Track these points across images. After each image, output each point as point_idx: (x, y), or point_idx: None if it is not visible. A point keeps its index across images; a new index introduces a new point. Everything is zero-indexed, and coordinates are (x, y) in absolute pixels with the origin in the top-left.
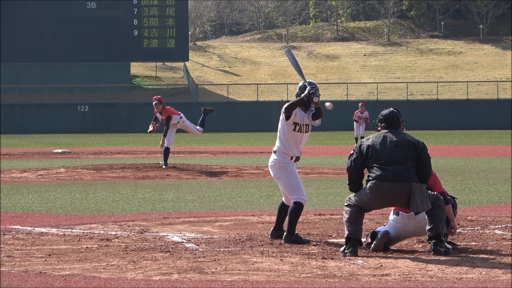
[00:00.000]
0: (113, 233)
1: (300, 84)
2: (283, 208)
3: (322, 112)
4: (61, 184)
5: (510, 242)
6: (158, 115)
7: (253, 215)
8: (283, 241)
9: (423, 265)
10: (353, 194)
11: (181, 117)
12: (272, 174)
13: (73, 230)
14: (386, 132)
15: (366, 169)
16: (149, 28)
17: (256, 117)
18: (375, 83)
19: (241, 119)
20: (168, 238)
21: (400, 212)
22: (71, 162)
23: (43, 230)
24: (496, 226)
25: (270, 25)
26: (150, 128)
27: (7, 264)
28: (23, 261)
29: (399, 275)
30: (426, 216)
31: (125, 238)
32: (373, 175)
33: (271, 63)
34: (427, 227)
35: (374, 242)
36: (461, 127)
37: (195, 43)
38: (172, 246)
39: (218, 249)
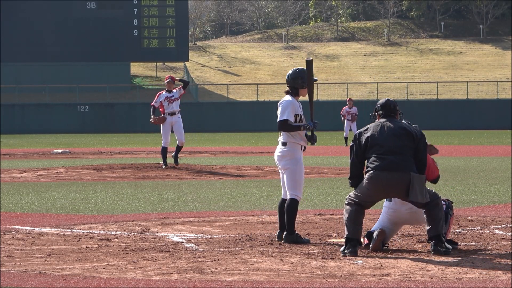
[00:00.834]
0: (113, 233)
1: (290, 72)
2: (283, 205)
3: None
4: (61, 184)
5: (510, 242)
6: (163, 97)
7: (253, 215)
8: (283, 241)
9: (423, 265)
10: (356, 193)
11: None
12: (280, 164)
13: (73, 230)
14: (384, 121)
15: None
16: (149, 28)
17: (256, 117)
18: (375, 83)
19: (241, 119)
20: (168, 238)
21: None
22: (71, 162)
23: (43, 230)
24: (496, 226)
25: (270, 25)
26: (151, 120)
27: (7, 264)
28: (23, 261)
29: (399, 275)
30: (424, 215)
31: (125, 238)
32: (372, 165)
33: (271, 63)
34: (427, 227)
35: (372, 242)
36: (461, 127)
37: (195, 43)
38: (172, 246)
39: (218, 249)
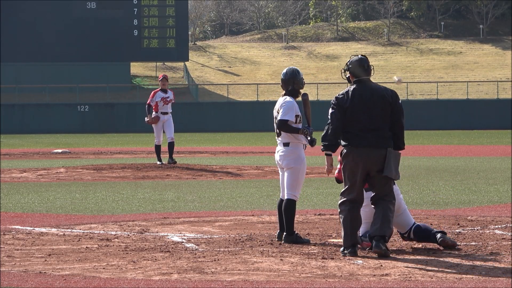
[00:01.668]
0: (113, 233)
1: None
2: (281, 205)
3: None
4: (61, 184)
5: (510, 242)
6: (159, 95)
7: (253, 215)
8: (283, 241)
9: (423, 265)
10: (342, 189)
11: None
12: (284, 163)
13: (73, 230)
14: (358, 88)
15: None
16: (149, 28)
17: (256, 117)
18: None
19: (241, 119)
20: (168, 238)
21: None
22: (71, 162)
23: (43, 230)
24: (496, 226)
25: (270, 25)
26: (147, 119)
27: (7, 264)
28: (23, 261)
29: (399, 275)
30: (374, 210)
31: (125, 238)
32: (347, 142)
33: (271, 63)
34: (373, 226)
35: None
36: (461, 127)
37: (195, 43)
38: (172, 246)
39: (218, 249)
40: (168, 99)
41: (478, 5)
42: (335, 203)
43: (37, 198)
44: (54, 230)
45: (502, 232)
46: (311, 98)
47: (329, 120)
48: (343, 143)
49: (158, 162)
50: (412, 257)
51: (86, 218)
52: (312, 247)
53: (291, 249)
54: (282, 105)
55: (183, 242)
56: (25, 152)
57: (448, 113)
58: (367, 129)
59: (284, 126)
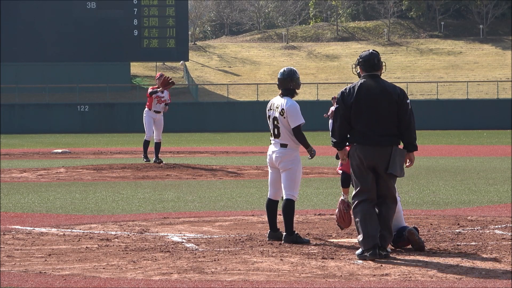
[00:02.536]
0: (113, 233)
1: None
2: (271, 205)
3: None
4: (61, 184)
5: (510, 242)
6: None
7: (253, 215)
8: (283, 241)
9: (423, 265)
10: (354, 192)
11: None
12: (281, 164)
13: (73, 230)
14: (365, 82)
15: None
16: (149, 28)
17: (256, 117)
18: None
19: (241, 119)
20: (168, 238)
21: None
22: (71, 162)
23: (43, 230)
24: (496, 226)
25: (270, 25)
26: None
27: (7, 264)
28: (23, 261)
29: (399, 275)
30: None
31: (125, 238)
32: (354, 139)
33: (271, 63)
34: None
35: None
36: (461, 127)
37: (195, 43)
38: (172, 246)
39: (218, 249)
40: (162, 99)
41: (478, 5)
42: (335, 203)
43: (37, 198)
44: (54, 230)
45: (502, 232)
46: (311, 98)
47: (334, 116)
48: (349, 140)
49: (144, 160)
50: (412, 257)
51: (86, 218)
52: (312, 247)
53: (291, 249)
54: (288, 109)
55: (183, 242)
56: (25, 152)
57: (448, 113)
58: (372, 126)
59: (299, 132)
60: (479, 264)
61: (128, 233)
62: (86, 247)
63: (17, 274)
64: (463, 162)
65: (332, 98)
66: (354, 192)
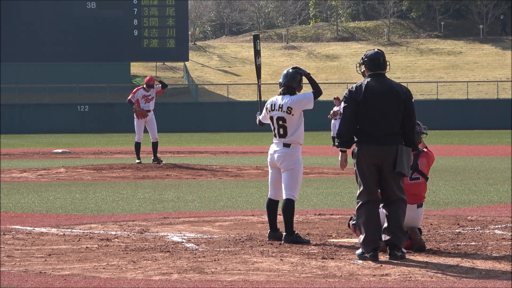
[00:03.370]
0: (113, 233)
1: (285, 72)
2: (271, 205)
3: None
4: (61, 184)
5: (510, 242)
6: (142, 92)
7: (253, 215)
8: (283, 242)
9: (423, 265)
10: (357, 192)
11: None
12: (283, 164)
13: (73, 230)
14: (371, 82)
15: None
16: (149, 28)
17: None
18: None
19: (241, 119)
20: (168, 238)
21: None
22: (71, 162)
23: (43, 230)
24: (496, 226)
25: (270, 25)
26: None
27: (7, 264)
28: (23, 261)
29: (399, 275)
30: (384, 211)
31: (125, 238)
32: (360, 139)
33: (271, 63)
34: (386, 231)
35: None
36: (461, 127)
37: (195, 43)
38: (172, 246)
39: (218, 249)
40: (149, 97)
41: (478, 5)
42: (335, 203)
43: (37, 198)
44: (54, 230)
45: (502, 232)
46: None
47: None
48: (354, 139)
49: (137, 161)
50: (412, 257)
51: (86, 218)
52: (312, 247)
53: (291, 249)
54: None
55: (183, 242)
56: (25, 152)
57: (448, 113)
58: (378, 125)
59: (318, 92)
60: (479, 264)
61: (128, 233)
62: (86, 247)
63: (17, 274)
64: (463, 162)
65: (334, 99)
66: (358, 192)
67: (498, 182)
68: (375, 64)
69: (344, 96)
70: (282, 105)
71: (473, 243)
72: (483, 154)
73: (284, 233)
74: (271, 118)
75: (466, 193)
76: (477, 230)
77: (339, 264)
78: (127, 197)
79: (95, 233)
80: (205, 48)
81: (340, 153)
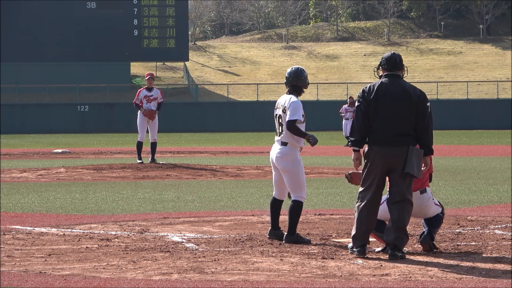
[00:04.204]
0: (113, 233)
1: (293, 70)
2: (275, 204)
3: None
4: (61, 184)
5: (510, 242)
6: (145, 92)
7: (253, 215)
8: (283, 241)
9: (423, 265)
10: (360, 189)
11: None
12: (281, 165)
13: (73, 230)
14: (386, 82)
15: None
16: (149, 28)
17: (256, 117)
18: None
19: (241, 119)
20: (168, 238)
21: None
22: (71, 162)
23: (43, 230)
24: (496, 226)
25: (270, 25)
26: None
27: (7, 264)
28: (23, 261)
29: (399, 275)
30: (388, 209)
31: (125, 238)
32: (370, 139)
33: (271, 63)
34: (389, 230)
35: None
36: (461, 127)
37: (195, 43)
38: (172, 246)
39: (218, 249)
40: (151, 97)
41: (478, 5)
42: (335, 203)
43: (37, 198)
44: (54, 230)
45: (502, 232)
46: (311, 98)
47: (355, 114)
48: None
49: (138, 161)
50: (412, 257)
51: (86, 218)
52: (312, 247)
53: (291, 249)
54: (290, 104)
55: (183, 242)
56: (25, 152)
57: (448, 113)
58: (389, 125)
59: (293, 127)
60: (479, 264)
61: (128, 233)
62: (86, 247)
63: (17, 274)
64: (463, 162)
65: (349, 98)
66: (361, 189)
67: (498, 182)
68: (391, 63)
69: (358, 95)
70: (282, 104)
71: (473, 243)
72: (483, 154)
73: (285, 233)
74: (276, 116)
75: (466, 193)
76: (477, 230)
77: (339, 264)
78: (127, 197)
79: (95, 233)
80: (205, 48)
81: (353, 152)
